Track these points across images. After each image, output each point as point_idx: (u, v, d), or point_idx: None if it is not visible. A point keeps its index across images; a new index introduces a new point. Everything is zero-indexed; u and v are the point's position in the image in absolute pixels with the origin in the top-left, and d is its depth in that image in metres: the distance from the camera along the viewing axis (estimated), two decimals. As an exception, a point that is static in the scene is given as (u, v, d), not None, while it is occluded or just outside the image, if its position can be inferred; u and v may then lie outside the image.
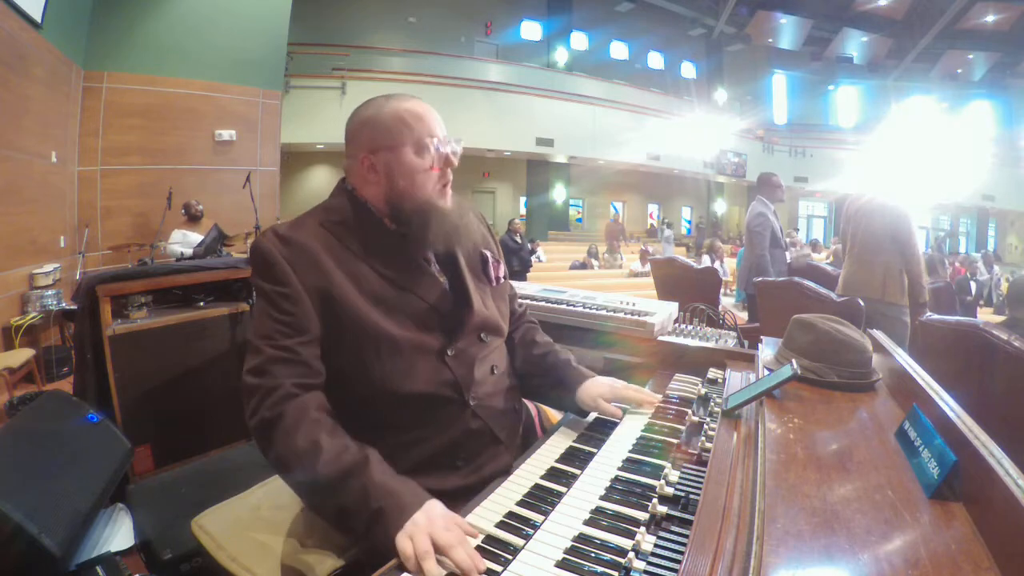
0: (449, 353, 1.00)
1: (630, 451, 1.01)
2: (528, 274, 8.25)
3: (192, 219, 5.32)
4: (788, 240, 4.69)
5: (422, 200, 0.99)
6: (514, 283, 1.39)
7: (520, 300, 1.34)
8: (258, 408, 0.86)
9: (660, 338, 1.60)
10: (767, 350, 1.36)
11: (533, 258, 9.57)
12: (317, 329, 0.93)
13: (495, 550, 0.75)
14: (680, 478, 0.87)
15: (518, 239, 8.01)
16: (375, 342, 0.94)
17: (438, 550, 0.72)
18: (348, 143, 1.03)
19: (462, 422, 1.01)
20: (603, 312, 1.74)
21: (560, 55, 14.53)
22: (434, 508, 0.79)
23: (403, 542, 0.73)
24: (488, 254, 1.15)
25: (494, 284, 1.14)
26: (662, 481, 0.86)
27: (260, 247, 0.94)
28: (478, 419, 1.03)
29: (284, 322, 0.90)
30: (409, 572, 0.71)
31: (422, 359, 0.98)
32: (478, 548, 0.75)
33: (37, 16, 4.30)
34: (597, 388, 1.15)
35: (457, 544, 0.72)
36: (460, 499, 0.89)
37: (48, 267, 4.44)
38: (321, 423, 0.86)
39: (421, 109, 1.00)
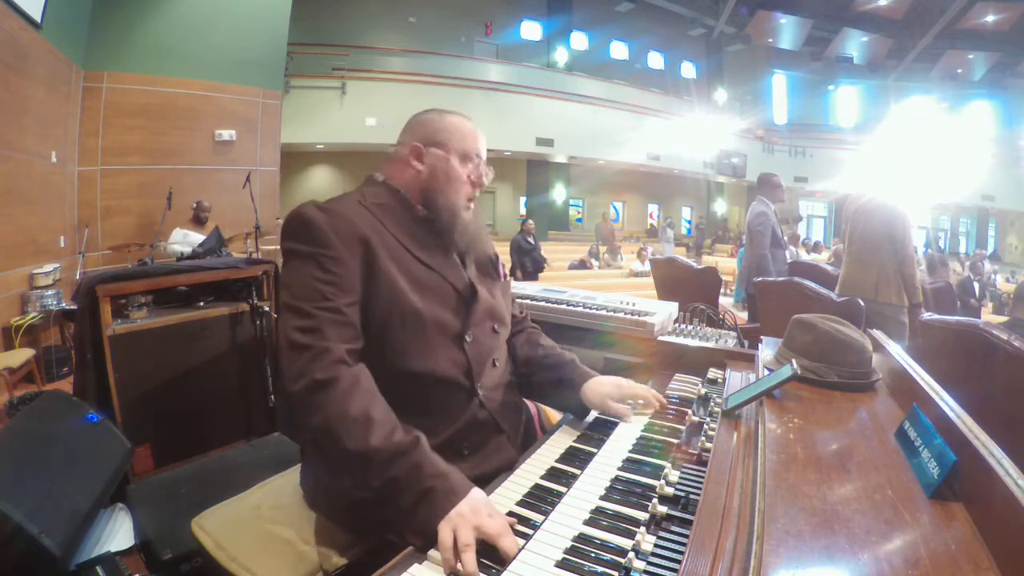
0: (467, 339, 1.04)
1: (630, 451, 1.02)
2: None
3: (197, 220, 5.34)
4: (787, 238, 4.69)
5: (452, 203, 1.08)
6: (521, 283, 1.43)
7: (519, 304, 1.39)
8: (308, 369, 0.85)
9: (660, 338, 1.60)
10: (767, 350, 1.36)
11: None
12: (359, 293, 0.95)
13: (495, 550, 0.75)
14: (680, 478, 0.87)
15: (531, 240, 7.96)
16: (402, 314, 0.97)
17: (487, 539, 0.74)
18: (403, 132, 1.13)
19: (470, 411, 1.04)
20: (603, 312, 1.74)
21: (560, 55, 14.51)
22: (478, 497, 0.80)
23: (445, 532, 0.74)
24: (494, 255, 1.23)
25: (502, 279, 1.22)
26: (662, 481, 0.86)
27: (302, 214, 0.96)
28: (484, 410, 1.05)
29: (331, 282, 0.92)
30: (441, 561, 0.72)
31: (442, 339, 1.01)
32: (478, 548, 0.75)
33: (37, 16, 4.30)
34: (603, 387, 1.16)
35: (504, 535, 0.74)
36: None
37: (48, 267, 4.44)
38: (374, 397, 0.88)
39: (475, 129, 1.14)
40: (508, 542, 0.74)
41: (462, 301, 1.05)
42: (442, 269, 1.05)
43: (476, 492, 0.81)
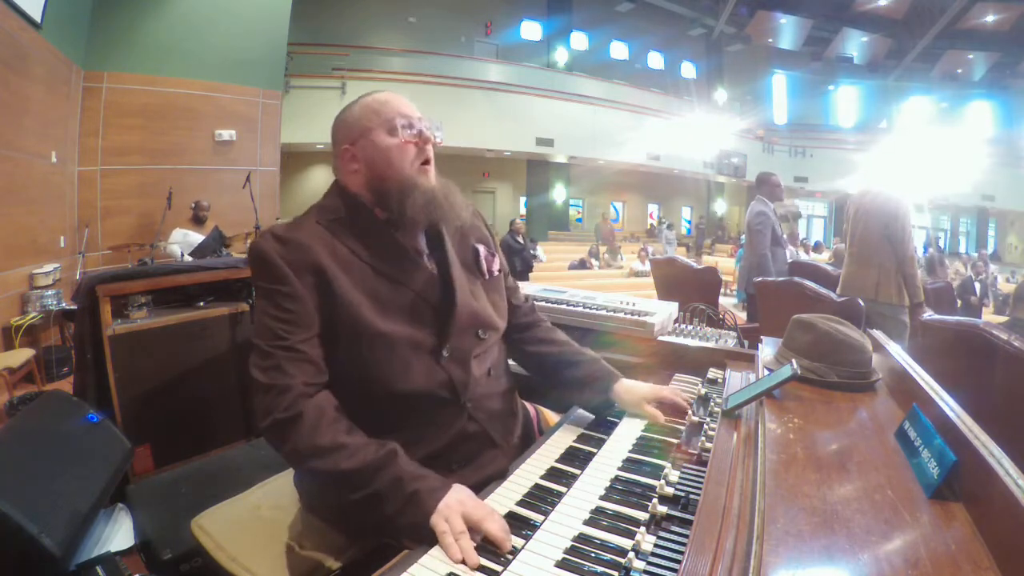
0: (444, 354, 0.99)
1: (630, 451, 1.02)
2: (530, 274, 8.24)
3: (197, 220, 5.33)
4: (786, 237, 4.69)
5: (402, 178, 1.00)
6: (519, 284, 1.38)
7: (526, 295, 1.33)
8: (272, 408, 0.86)
9: (660, 338, 1.60)
10: (767, 350, 1.36)
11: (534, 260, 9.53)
12: (318, 326, 0.93)
13: (495, 549, 0.75)
14: (680, 478, 0.87)
15: (520, 239, 8.00)
16: (370, 340, 0.94)
17: (472, 526, 0.77)
18: (332, 144, 1.06)
19: (457, 425, 1.01)
20: (603, 312, 1.73)
21: (560, 55, 14.50)
22: (462, 490, 0.83)
23: (439, 523, 0.77)
24: (481, 248, 1.13)
25: (487, 277, 1.12)
26: (662, 481, 0.86)
27: (258, 249, 0.94)
28: (474, 422, 1.02)
29: (288, 320, 0.91)
30: (445, 548, 0.75)
31: (417, 358, 0.97)
32: (478, 547, 0.75)
33: (37, 16, 4.30)
34: (640, 391, 1.15)
35: (488, 518, 0.77)
36: None
37: (48, 267, 4.44)
38: (339, 423, 0.88)
39: (387, 96, 1.04)
40: (492, 525, 0.76)
41: (436, 313, 1.00)
42: (411, 282, 0.99)
43: (458, 486, 0.84)
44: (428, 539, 0.77)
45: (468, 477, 0.98)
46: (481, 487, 0.93)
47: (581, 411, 1.22)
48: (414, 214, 0.98)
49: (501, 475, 0.96)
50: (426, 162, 1.02)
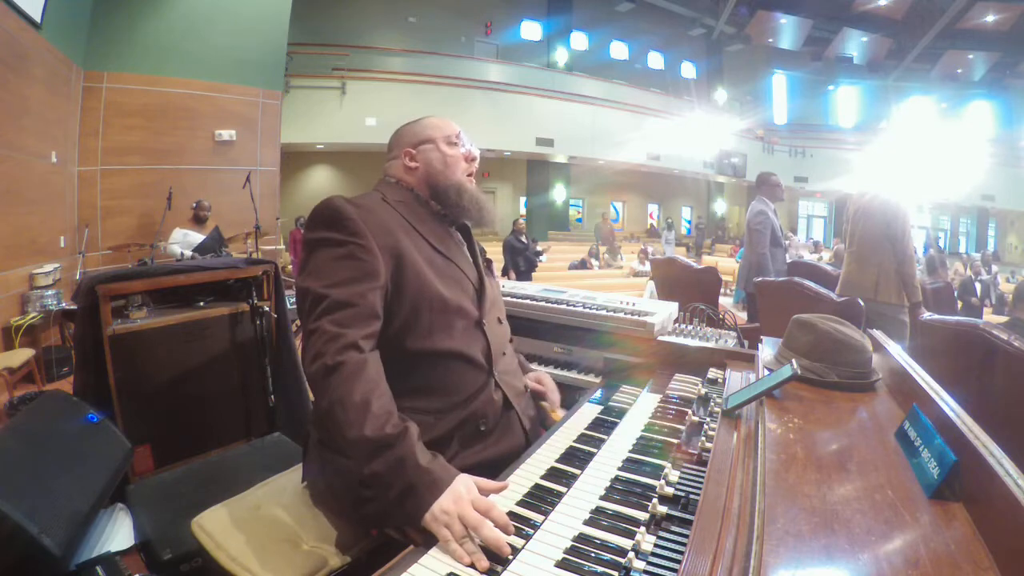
0: (484, 322, 1.12)
1: (630, 451, 1.02)
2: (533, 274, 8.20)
3: (197, 220, 5.33)
4: (787, 242, 4.69)
5: (455, 180, 1.19)
6: (517, 283, 1.50)
7: None
8: (322, 352, 0.90)
9: (660, 338, 1.60)
10: (767, 350, 1.36)
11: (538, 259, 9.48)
12: (384, 279, 1.00)
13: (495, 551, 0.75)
14: (680, 478, 0.87)
15: (523, 239, 7.96)
16: (429, 299, 1.04)
17: (471, 529, 0.77)
18: (391, 148, 1.25)
19: (487, 392, 1.09)
20: (603, 312, 1.74)
21: (560, 55, 14.51)
22: (460, 485, 0.83)
23: (439, 529, 0.78)
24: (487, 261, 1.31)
25: (494, 279, 1.29)
26: (662, 481, 0.86)
27: (332, 205, 1.02)
28: (500, 391, 1.11)
29: (357, 268, 0.98)
30: (452, 553, 0.75)
31: (462, 321, 1.09)
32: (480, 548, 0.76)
33: (37, 16, 4.29)
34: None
35: (482, 523, 0.77)
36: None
37: (48, 267, 4.44)
38: (377, 385, 0.91)
39: (449, 120, 1.26)
40: (486, 533, 0.76)
41: (476, 291, 1.15)
42: (458, 261, 1.15)
43: (459, 481, 0.83)
44: (427, 532, 0.79)
45: (492, 445, 1.07)
46: (501, 460, 1.00)
47: (581, 411, 1.22)
48: (469, 205, 1.18)
49: (520, 451, 1.04)
50: (470, 174, 1.23)
